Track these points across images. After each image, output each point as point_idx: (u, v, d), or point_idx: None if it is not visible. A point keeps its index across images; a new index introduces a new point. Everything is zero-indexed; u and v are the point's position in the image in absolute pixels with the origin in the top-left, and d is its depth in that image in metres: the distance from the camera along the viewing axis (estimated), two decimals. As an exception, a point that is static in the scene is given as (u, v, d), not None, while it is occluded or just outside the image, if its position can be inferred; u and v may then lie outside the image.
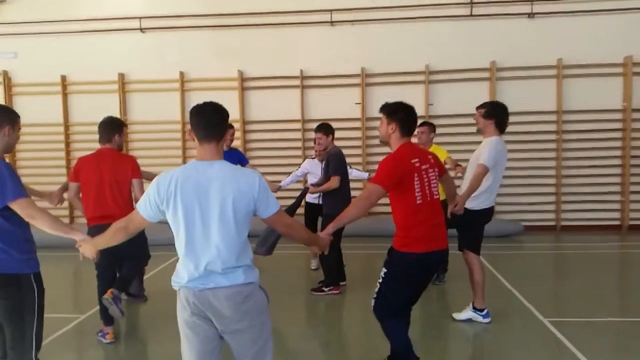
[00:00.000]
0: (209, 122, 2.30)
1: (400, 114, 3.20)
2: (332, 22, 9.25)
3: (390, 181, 3.05)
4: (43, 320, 2.77)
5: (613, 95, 8.98)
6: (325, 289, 5.49)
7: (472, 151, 7.78)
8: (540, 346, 4.01)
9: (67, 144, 9.81)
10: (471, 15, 9.06)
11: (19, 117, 2.77)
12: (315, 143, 5.72)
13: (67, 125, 9.80)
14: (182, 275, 2.29)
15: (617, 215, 9.19)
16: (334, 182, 5.26)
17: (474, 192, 4.12)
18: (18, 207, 2.57)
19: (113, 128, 4.40)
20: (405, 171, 3.05)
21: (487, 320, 4.44)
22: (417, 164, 3.10)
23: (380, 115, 3.30)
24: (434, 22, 9.14)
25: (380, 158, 9.59)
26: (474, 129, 8.50)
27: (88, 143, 9.21)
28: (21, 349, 2.68)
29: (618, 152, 9.10)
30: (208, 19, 9.41)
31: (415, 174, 3.07)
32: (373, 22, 9.22)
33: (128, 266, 4.47)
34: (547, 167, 9.19)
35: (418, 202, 3.07)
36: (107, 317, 4.27)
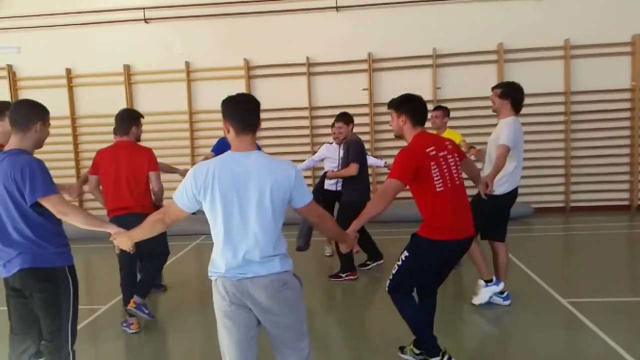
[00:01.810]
0: (246, 114, 2.31)
1: (407, 105, 3.20)
2: (337, 8, 9.18)
3: (406, 174, 3.05)
4: (77, 313, 2.80)
5: (621, 75, 8.94)
6: (343, 275, 5.54)
7: (481, 134, 7.82)
8: (563, 327, 4.06)
9: (75, 136, 9.82)
10: (478, -3, 8.99)
11: (48, 112, 2.78)
12: (332, 129, 5.76)
13: (73, 118, 9.80)
14: (219, 265, 2.31)
15: (626, 195, 9.21)
16: (353, 169, 5.29)
17: (500, 174, 4.10)
18: (48, 203, 2.57)
19: (130, 120, 4.41)
20: (420, 162, 3.05)
21: (507, 302, 4.47)
22: (433, 152, 3.09)
23: (390, 111, 3.30)
24: (440, 4, 9.07)
25: (389, 144, 9.61)
26: (482, 112, 8.52)
27: (95, 135, 9.26)
28: (58, 342, 2.70)
29: (627, 132, 9.08)
30: (212, 8, 9.34)
31: (432, 163, 3.06)
32: (378, 6, 9.15)
33: (147, 266, 4.49)
34: (556, 148, 9.19)
35: (438, 189, 3.06)
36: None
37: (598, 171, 9.13)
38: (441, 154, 3.13)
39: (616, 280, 5.29)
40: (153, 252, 4.36)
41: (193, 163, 9.22)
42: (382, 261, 5.93)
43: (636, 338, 3.79)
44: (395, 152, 3.20)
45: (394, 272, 3.28)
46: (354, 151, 5.33)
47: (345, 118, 5.58)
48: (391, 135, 8.68)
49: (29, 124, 2.66)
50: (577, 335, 3.94)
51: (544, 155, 9.11)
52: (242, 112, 2.32)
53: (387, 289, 3.31)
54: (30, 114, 2.67)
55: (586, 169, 9.16)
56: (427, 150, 3.09)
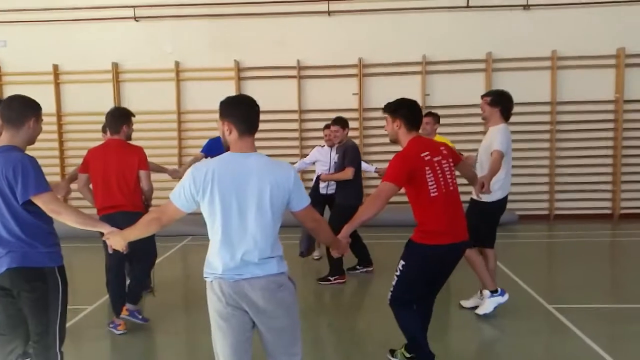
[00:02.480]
0: (252, 116, 2.34)
1: (402, 110, 3.21)
2: (329, 12, 9.22)
3: (401, 178, 3.05)
4: (66, 314, 2.76)
5: (605, 87, 9.14)
6: (331, 279, 5.55)
7: (469, 141, 7.91)
8: (550, 333, 4.12)
9: (60, 134, 9.67)
10: (468, 6, 9.10)
11: (41, 109, 2.74)
12: (325, 131, 5.84)
13: (59, 115, 9.65)
14: (216, 266, 2.30)
15: (608, 204, 9.40)
16: (348, 173, 5.33)
17: (492, 181, 4.13)
18: (41, 201, 2.53)
19: (121, 119, 4.37)
20: (414, 166, 3.05)
21: (505, 298, 4.45)
22: (428, 157, 3.09)
23: (385, 115, 3.31)
24: (431, 13, 9.17)
25: (378, 149, 9.64)
26: (470, 120, 8.61)
27: (82, 133, 9.11)
28: (46, 343, 2.65)
29: (610, 143, 9.28)
30: (203, 8, 9.31)
31: (427, 168, 3.07)
32: (370, 12, 9.21)
33: (136, 269, 4.44)
34: (541, 157, 9.34)
35: (432, 194, 3.07)
36: (118, 309, 4.28)
37: (581, 180, 9.30)
38: (436, 159, 3.13)
39: (599, 287, 5.40)
40: (141, 253, 4.28)
41: (181, 163, 9.15)
42: (371, 268, 5.95)
43: (619, 343, 3.89)
44: (385, 156, 3.24)
45: (393, 283, 3.25)
46: (351, 156, 5.38)
47: (341, 122, 5.63)
48: (380, 140, 8.80)
49: (22, 120, 2.62)
50: (562, 340, 4.00)
51: (529, 164, 9.23)
52: (248, 113, 2.33)
53: (388, 301, 3.28)
54: (23, 110, 2.64)
55: (570, 178, 9.32)
56: (422, 155, 3.10)
